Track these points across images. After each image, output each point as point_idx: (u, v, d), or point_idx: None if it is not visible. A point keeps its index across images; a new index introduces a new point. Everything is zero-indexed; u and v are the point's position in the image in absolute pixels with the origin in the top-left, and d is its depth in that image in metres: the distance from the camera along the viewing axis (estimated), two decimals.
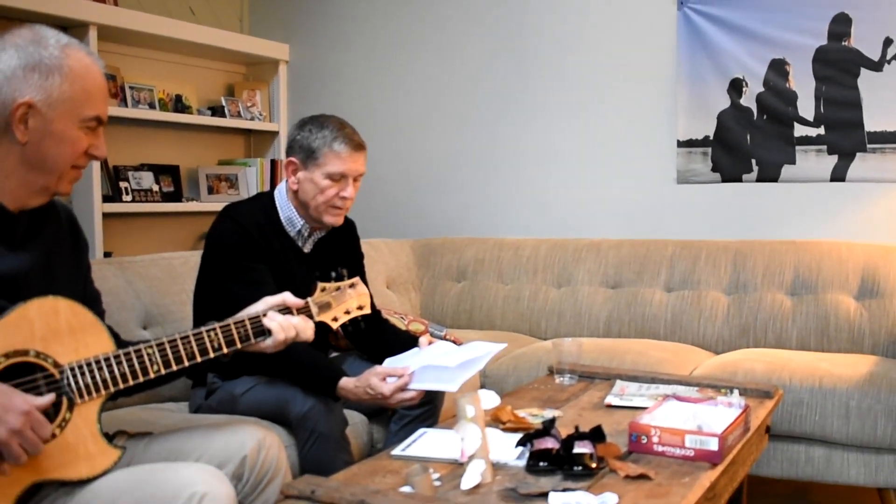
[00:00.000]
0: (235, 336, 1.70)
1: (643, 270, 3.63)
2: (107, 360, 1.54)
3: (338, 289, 1.94)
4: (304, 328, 1.81)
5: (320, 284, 1.92)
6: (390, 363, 2.29)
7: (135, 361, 1.57)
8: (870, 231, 3.51)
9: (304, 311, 1.86)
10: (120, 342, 1.63)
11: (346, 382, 2.25)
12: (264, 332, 1.75)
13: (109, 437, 1.61)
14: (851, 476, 2.75)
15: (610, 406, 2.20)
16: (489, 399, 1.82)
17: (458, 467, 1.71)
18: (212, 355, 1.67)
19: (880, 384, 2.71)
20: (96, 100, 1.59)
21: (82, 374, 1.51)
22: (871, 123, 3.49)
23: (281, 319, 1.76)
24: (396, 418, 2.52)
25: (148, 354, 1.58)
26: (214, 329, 1.67)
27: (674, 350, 3.21)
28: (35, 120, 1.52)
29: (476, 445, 1.66)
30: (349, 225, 2.65)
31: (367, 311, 2.06)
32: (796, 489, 3.31)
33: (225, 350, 1.68)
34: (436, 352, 2.33)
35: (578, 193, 4.05)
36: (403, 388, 2.18)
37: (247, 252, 2.34)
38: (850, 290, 3.27)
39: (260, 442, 1.75)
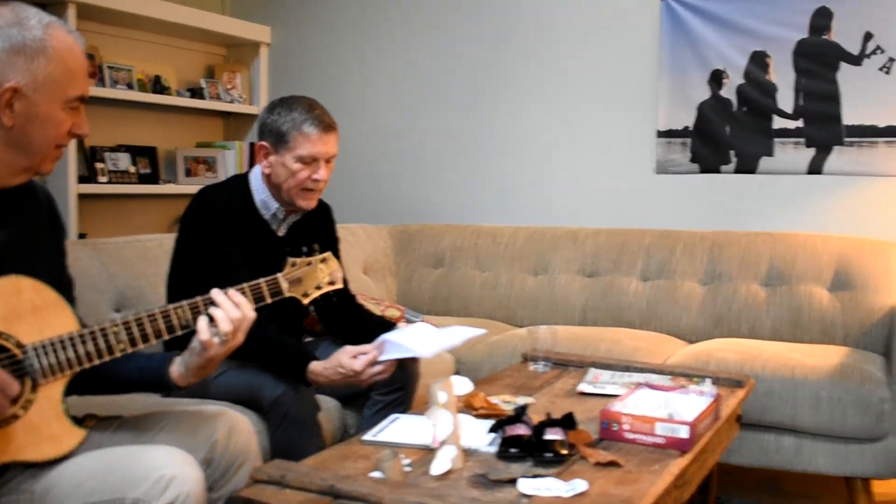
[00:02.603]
0: (203, 312, 1.67)
1: (620, 259, 3.64)
2: (71, 339, 1.51)
3: (308, 263, 1.90)
4: (241, 316, 1.68)
5: (290, 259, 1.89)
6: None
7: (100, 339, 1.53)
8: (845, 224, 3.54)
9: (273, 287, 1.80)
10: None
11: (315, 366, 2.24)
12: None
13: (78, 421, 1.59)
14: (820, 465, 2.78)
15: (582, 394, 2.21)
16: (462, 385, 1.82)
17: (429, 453, 1.71)
18: (179, 332, 1.63)
19: (851, 375, 2.73)
20: (79, 79, 1.57)
21: (45, 353, 1.49)
22: (849, 117, 3.51)
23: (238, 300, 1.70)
24: (370, 404, 2.51)
25: (114, 332, 1.55)
26: (182, 306, 1.63)
27: (648, 339, 3.23)
28: (20, 104, 1.50)
29: (447, 431, 1.66)
30: (324, 209, 2.64)
31: (339, 285, 2.03)
32: (766, 477, 3.34)
33: (193, 327, 1.65)
34: (414, 332, 2.33)
35: (557, 182, 4.05)
36: (374, 363, 2.18)
37: (221, 235, 2.32)
38: (823, 282, 3.30)
39: (230, 427, 1.74)
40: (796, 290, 3.31)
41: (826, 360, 2.86)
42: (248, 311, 1.68)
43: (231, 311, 1.64)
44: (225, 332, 1.63)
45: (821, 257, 3.33)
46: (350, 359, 2.21)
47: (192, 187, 3.77)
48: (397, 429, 1.91)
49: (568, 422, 1.76)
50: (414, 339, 2.25)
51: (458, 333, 2.27)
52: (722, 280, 3.44)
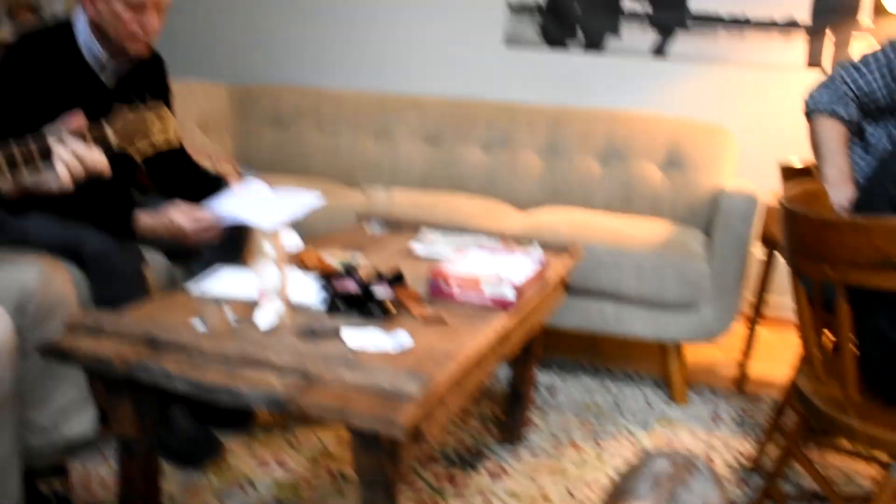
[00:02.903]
0: (18, 157, 1.57)
1: (463, 129, 3.64)
2: None
3: (139, 113, 1.80)
4: (94, 159, 1.67)
5: (119, 107, 1.78)
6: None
7: None
8: (682, 106, 3.67)
9: (101, 141, 1.72)
10: None
11: (143, 217, 2.16)
12: (51, 155, 1.61)
13: None
14: (638, 330, 2.94)
15: (415, 254, 2.22)
16: (291, 240, 1.79)
17: (254, 306, 1.68)
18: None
19: (673, 249, 2.88)
20: None
21: None
22: (695, 2, 3.59)
23: (74, 147, 1.63)
24: (199, 258, 2.45)
25: None
26: (23, 143, 1.52)
27: (485, 207, 3.28)
28: None
29: (274, 285, 1.64)
30: (157, 61, 2.49)
31: (175, 144, 1.95)
32: (588, 342, 3.52)
33: (8, 175, 1.54)
34: (250, 195, 2.26)
35: (405, 48, 3.98)
36: (206, 226, 2.12)
37: (39, 83, 2.15)
38: (656, 161, 3.42)
39: (45, 275, 1.66)
40: (630, 166, 3.42)
41: (652, 234, 2.99)
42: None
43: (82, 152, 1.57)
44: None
45: (656, 137, 3.44)
46: (180, 216, 2.14)
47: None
48: (223, 281, 1.88)
49: (397, 279, 1.78)
50: (251, 208, 2.18)
51: (294, 198, 2.22)
52: (560, 154, 3.51)
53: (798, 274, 1.79)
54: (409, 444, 1.41)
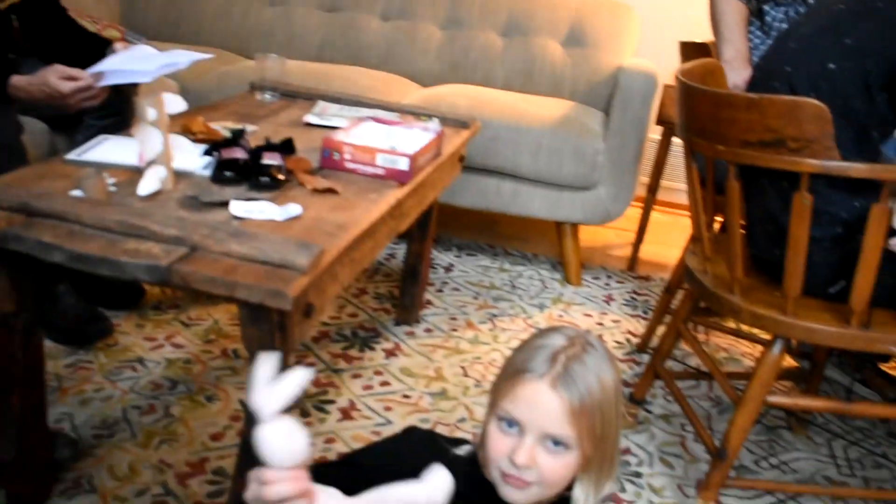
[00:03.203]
0: None
1: None
2: None
3: None
4: None
5: None
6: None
7: None
8: None
9: None
10: None
11: (17, 79, 2.01)
12: None
13: None
14: (535, 209, 2.95)
15: (308, 124, 2.14)
16: (174, 103, 1.68)
17: (137, 174, 1.59)
18: None
19: (571, 127, 2.86)
20: None
21: None
22: None
23: None
24: (83, 128, 2.33)
25: None
26: None
27: (383, 79, 3.19)
28: None
29: (156, 150, 1.55)
30: None
31: None
32: (485, 220, 3.52)
33: None
34: (134, 55, 2.13)
35: None
36: (86, 89, 1.99)
37: None
38: (558, 37, 3.37)
39: None
40: (532, 42, 3.36)
41: (551, 111, 2.96)
42: None
43: None
44: None
45: (559, 12, 3.38)
46: (58, 79, 2.00)
47: None
48: (105, 149, 1.77)
49: (287, 147, 1.71)
50: (132, 65, 2.05)
51: (182, 56, 2.10)
52: (461, 26, 3.42)
53: (691, 151, 1.79)
54: (299, 318, 1.37)
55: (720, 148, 1.63)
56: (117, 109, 2.29)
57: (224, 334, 2.35)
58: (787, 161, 1.54)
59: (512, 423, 1.08)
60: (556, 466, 1.07)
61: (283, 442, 0.83)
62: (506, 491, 1.09)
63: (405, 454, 1.17)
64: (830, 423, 2.32)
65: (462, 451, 1.19)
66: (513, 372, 1.09)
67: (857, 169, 1.51)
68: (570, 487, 1.13)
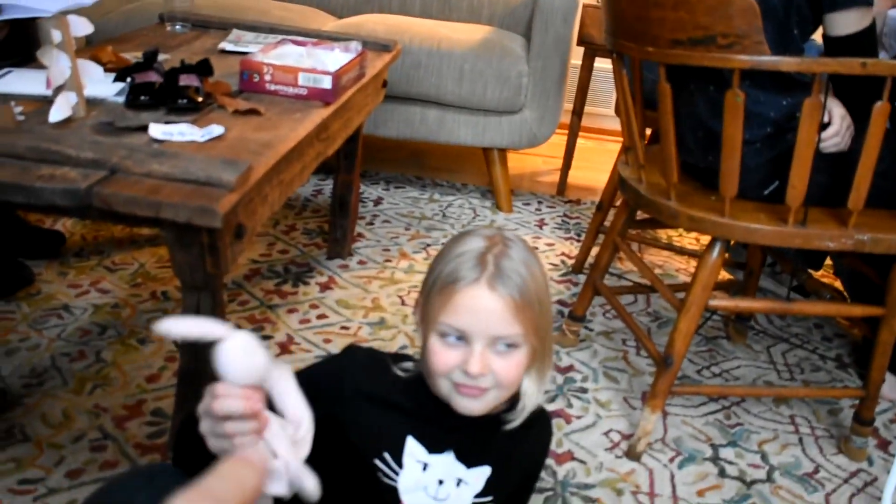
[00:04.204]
0: None
1: None
2: None
3: None
4: None
5: None
6: None
7: None
8: None
9: None
10: None
11: None
12: None
13: None
14: (462, 137, 2.91)
15: (224, 51, 2.06)
16: (80, 25, 1.59)
17: (47, 104, 1.50)
18: None
19: (493, 50, 2.82)
20: None
21: None
22: None
23: None
24: None
25: None
26: None
27: (298, 11, 3.08)
28: None
29: (65, 75, 1.46)
30: None
31: None
32: (411, 152, 3.48)
33: None
34: None
35: None
36: None
37: None
38: None
39: None
40: None
41: (471, 36, 2.91)
42: None
43: None
44: None
45: None
46: None
47: None
48: (10, 80, 1.67)
49: (204, 69, 1.63)
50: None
51: None
52: None
53: (619, 55, 1.77)
54: (230, 240, 1.32)
55: (649, 49, 1.60)
56: (20, 51, 2.16)
57: (151, 277, 2.27)
58: (717, 58, 1.52)
59: (456, 335, 1.04)
60: (509, 367, 1.04)
61: (239, 357, 0.78)
62: (461, 402, 1.06)
63: (347, 373, 1.13)
64: (768, 330, 2.36)
65: (406, 366, 1.15)
66: (443, 285, 1.05)
67: (788, 63, 1.50)
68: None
